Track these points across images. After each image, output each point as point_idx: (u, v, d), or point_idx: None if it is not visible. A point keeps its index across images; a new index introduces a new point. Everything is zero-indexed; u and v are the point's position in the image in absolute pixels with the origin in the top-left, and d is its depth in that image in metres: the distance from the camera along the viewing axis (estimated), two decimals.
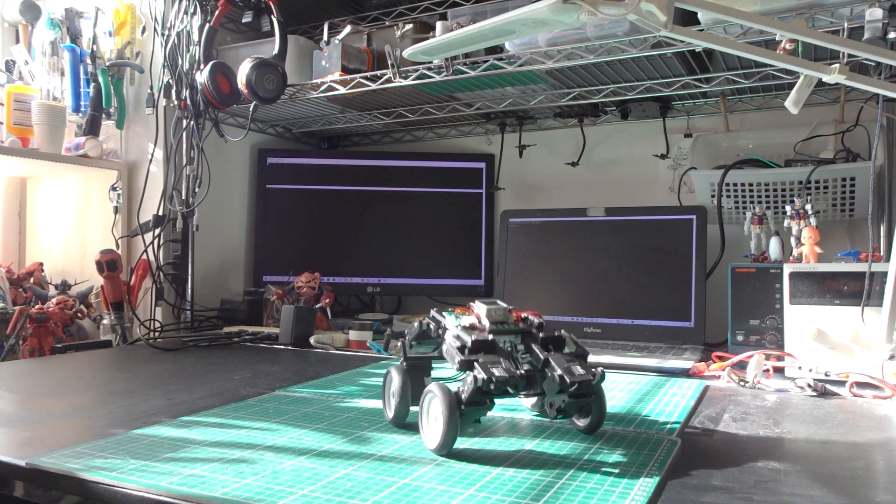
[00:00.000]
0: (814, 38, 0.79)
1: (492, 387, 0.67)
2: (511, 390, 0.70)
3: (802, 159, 1.40)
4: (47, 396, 0.94)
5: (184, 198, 1.61)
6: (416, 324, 0.86)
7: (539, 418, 0.84)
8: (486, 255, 1.82)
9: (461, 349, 0.73)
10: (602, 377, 0.72)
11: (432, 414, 0.71)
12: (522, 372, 0.71)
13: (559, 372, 0.71)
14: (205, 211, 1.64)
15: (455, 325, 0.77)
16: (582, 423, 0.77)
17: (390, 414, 0.80)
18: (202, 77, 1.48)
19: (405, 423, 0.80)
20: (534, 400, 0.86)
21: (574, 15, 0.70)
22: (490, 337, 0.74)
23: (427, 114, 1.71)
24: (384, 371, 0.83)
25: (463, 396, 0.69)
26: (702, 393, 0.98)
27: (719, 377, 1.09)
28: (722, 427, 0.80)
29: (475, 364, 0.69)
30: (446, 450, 0.69)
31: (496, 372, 0.68)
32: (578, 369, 0.71)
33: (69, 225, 1.71)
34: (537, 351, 0.75)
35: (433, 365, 0.84)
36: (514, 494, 0.57)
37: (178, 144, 1.60)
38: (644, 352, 1.27)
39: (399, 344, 0.85)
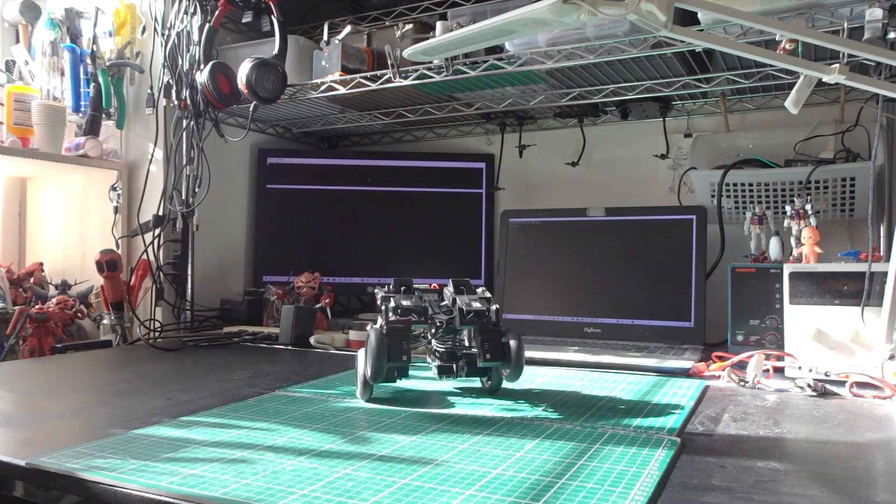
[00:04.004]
0: (814, 38, 0.79)
1: (399, 312, 0.88)
2: (415, 317, 0.90)
3: (802, 159, 1.40)
4: (47, 396, 0.94)
5: (184, 198, 1.61)
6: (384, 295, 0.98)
7: (538, 418, 0.84)
8: (486, 255, 1.82)
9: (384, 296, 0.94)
10: (498, 313, 0.91)
11: (369, 351, 0.86)
12: (429, 307, 0.92)
13: (461, 305, 0.90)
14: (205, 211, 1.64)
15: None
16: (505, 371, 0.91)
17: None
18: (202, 77, 1.48)
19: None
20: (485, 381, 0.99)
21: (574, 15, 0.70)
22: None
23: (427, 114, 1.71)
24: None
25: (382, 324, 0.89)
26: (702, 393, 0.98)
27: (719, 377, 1.09)
28: (722, 427, 0.80)
29: (391, 298, 0.92)
30: (377, 380, 0.86)
31: (405, 302, 0.90)
32: (476, 304, 0.91)
33: (69, 225, 1.71)
34: (450, 293, 0.95)
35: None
36: (514, 494, 0.57)
37: (178, 144, 1.60)
38: (644, 352, 1.27)
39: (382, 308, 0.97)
